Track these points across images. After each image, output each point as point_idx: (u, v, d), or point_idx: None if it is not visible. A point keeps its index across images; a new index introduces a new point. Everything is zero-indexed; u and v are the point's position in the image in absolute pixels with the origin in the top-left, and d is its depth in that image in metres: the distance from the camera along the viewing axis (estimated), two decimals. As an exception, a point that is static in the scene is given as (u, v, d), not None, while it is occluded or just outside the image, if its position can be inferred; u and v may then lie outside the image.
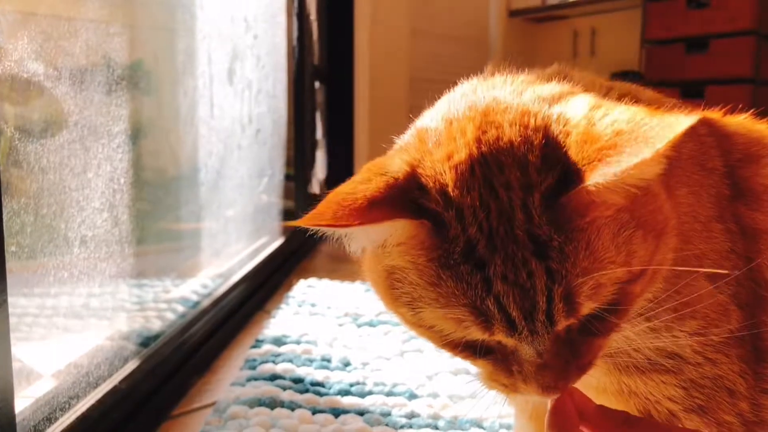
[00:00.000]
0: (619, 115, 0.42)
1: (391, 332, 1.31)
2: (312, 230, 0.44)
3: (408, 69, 3.19)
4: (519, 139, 0.43)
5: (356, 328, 1.34)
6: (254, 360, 1.16)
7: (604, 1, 3.52)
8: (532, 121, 0.44)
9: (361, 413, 0.97)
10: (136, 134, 1.10)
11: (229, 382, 1.08)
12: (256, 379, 1.08)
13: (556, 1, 3.69)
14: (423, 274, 0.44)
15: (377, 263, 0.49)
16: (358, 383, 1.07)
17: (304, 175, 2.30)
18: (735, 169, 0.56)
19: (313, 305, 1.50)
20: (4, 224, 0.64)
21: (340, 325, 1.36)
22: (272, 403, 0.99)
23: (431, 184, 0.44)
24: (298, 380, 1.08)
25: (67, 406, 0.83)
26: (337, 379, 1.09)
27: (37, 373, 0.94)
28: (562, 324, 0.42)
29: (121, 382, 0.93)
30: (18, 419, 0.70)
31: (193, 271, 1.52)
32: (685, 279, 0.50)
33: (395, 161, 0.46)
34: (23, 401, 0.78)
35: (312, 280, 1.71)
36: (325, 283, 1.69)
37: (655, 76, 3.19)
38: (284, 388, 1.04)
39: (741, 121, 0.60)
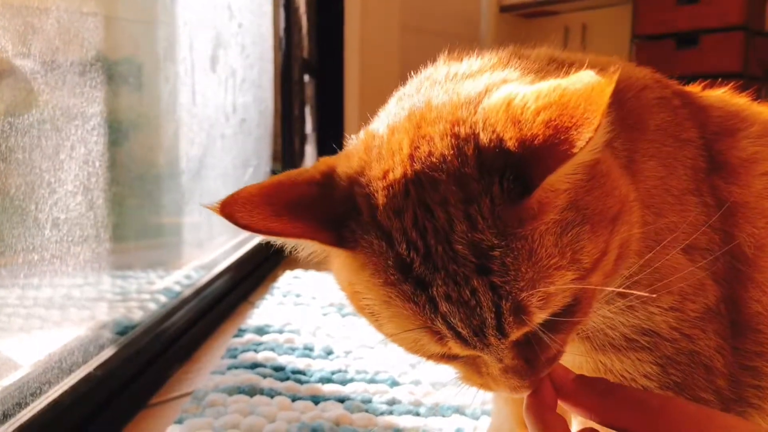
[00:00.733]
0: (539, 102, 0.39)
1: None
2: None
3: (399, 64, 3.17)
4: (451, 152, 0.40)
5: (340, 318, 1.33)
6: (235, 349, 1.14)
7: (595, -4, 3.53)
8: (461, 130, 0.41)
9: (341, 400, 0.95)
10: (115, 124, 1.08)
11: (209, 371, 1.07)
12: (236, 367, 1.06)
13: (547, -3, 3.68)
14: (373, 292, 0.43)
15: (339, 270, 0.47)
16: (339, 371, 1.05)
17: (293, 169, 2.28)
18: (711, 143, 0.55)
19: (297, 296, 1.49)
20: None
21: (324, 315, 1.35)
22: (252, 391, 0.97)
23: (364, 206, 0.42)
24: (279, 368, 1.06)
25: (38, 391, 0.81)
26: (318, 367, 1.07)
27: (15, 364, 0.92)
28: (515, 335, 0.41)
29: (96, 369, 0.92)
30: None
31: (178, 263, 1.51)
32: (659, 253, 0.49)
33: (341, 164, 0.46)
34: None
35: (298, 272, 1.70)
36: (311, 274, 1.68)
37: (646, 71, 3.19)
38: (264, 376, 1.03)
39: (719, 95, 0.59)
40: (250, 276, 1.65)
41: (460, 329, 0.40)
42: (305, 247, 0.45)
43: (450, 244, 0.39)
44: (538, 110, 0.38)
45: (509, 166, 0.38)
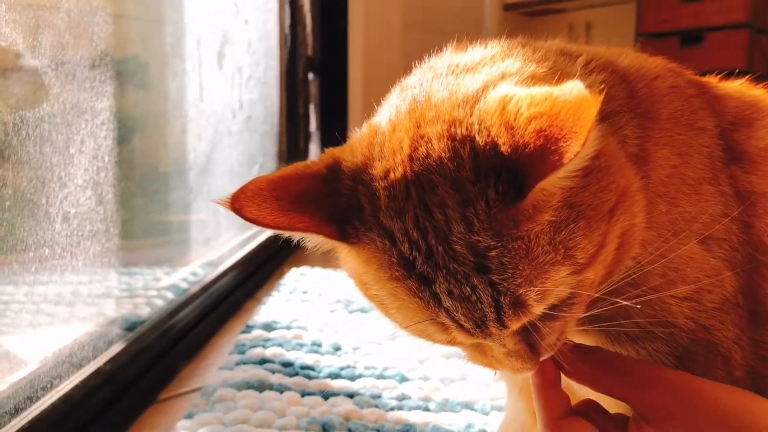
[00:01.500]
0: (531, 110, 0.39)
1: (382, 318, 1.29)
2: None
3: (402, 63, 3.16)
4: (448, 154, 0.41)
5: (348, 314, 1.33)
6: (243, 345, 1.14)
7: (599, -6, 3.52)
8: (458, 131, 0.42)
9: (351, 396, 0.95)
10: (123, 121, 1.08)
11: (217, 367, 1.07)
12: (245, 363, 1.06)
13: (550, -5, 3.68)
14: (380, 285, 0.44)
15: (346, 260, 0.49)
16: (348, 367, 1.05)
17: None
18: (728, 132, 0.54)
19: (304, 292, 1.49)
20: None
21: (331, 311, 1.34)
22: (261, 386, 0.97)
23: (367, 205, 0.44)
24: (287, 364, 1.06)
25: (49, 386, 0.81)
26: (327, 363, 1.07)
27: (23, 360, 0.92)
28: (515, 326, 0.42)
29: (105, 364, 0.92)
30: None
31: (185, 259, 1.51)
32: (674, 243, 0.49)
33: (346, 159, 0.46)
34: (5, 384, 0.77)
35: (304, 269, 1.70)
36: (318, 271, 1.68)
37: (650, 69, 3.18)
38: (273, 372, 1.02)
39: (736, 86, 0.59)
40: (257, 273, 1.65)
41: (462, 322, 0.42)
42: (311, 239, 0.46)
43: (449, 245, 0.40)
44: (530, 118, 0.39)
45: (504, 170, 0.39)
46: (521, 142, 0.38)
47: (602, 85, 0.46)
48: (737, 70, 0.64)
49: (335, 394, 0.96)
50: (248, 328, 1.23)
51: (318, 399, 0.94)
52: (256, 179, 0.44)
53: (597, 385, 0.48)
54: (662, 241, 0.48)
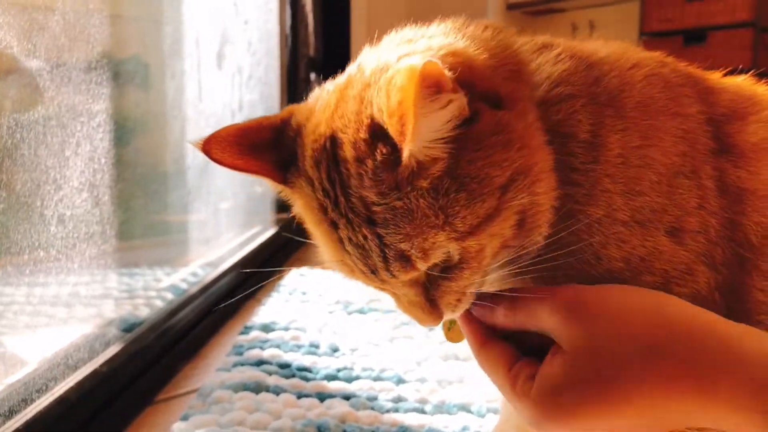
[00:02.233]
0: (397, 83, 0.41)
1: (381, 319, 1.29)
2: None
3: (404, 62, 3.17)
4: (354, 116, 0.45)
5: (346, 316, 1.33)
6: (241, 346, 1.14)
7: (602, -7, 3.51)
8: (365, 95, 0.45)
9: (347, 398, 0.95)
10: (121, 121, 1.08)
11: (215, 368, 1.07)
12: (242, 364, 1.06)
13: (554, -6, 3.67)
14: (310, 224, 0.50)
15: (296, 203, 0.53)
16: (345, 368, 1.05)
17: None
18: (719, 123, 0.53)
19: (304, 293, 1.49)
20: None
21: (330, 313, 1.34)
22: (257, 388, 0.97)
23: (299, 154, 0.49)
24: (284, 365, 1.06)
25: (44, 388, 0.81)
26: (324, 364, 1.07)
27: (22, 360, 0.92)
28: (404, 278, 0.46)
29: (101, 365, 0.92)
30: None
31: (184, 260, 1.51)
32: (638, 231, 0.48)
33: (296, 115, 0.51)
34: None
35: (304, 270, 1.70)
36: (317, 272, 1.68)
37: (653, 68, 3.17)
38: (270, 373, 1.02)
39: (735, 81, 0.58)
40: (257, 274, 1.65)
41: (360, 267, 0.47)
42: (268, 183, 0.52)
43: (348, 196, 0.45)
44: (394, 91, 0.41)
45: (388, 136, 0.42)
46: (389, 113, 0.41)
47: (565, 73, 0.51)
48: (740, 68, 0.63)
49: (332, 395, 0.96)
50: (246, 329, 1.23)
51: (314, 401, 0.94)
52: (227, 126, 0.50)
53: (511, 322, 0.50)
54: (621, 225, 0.48)
